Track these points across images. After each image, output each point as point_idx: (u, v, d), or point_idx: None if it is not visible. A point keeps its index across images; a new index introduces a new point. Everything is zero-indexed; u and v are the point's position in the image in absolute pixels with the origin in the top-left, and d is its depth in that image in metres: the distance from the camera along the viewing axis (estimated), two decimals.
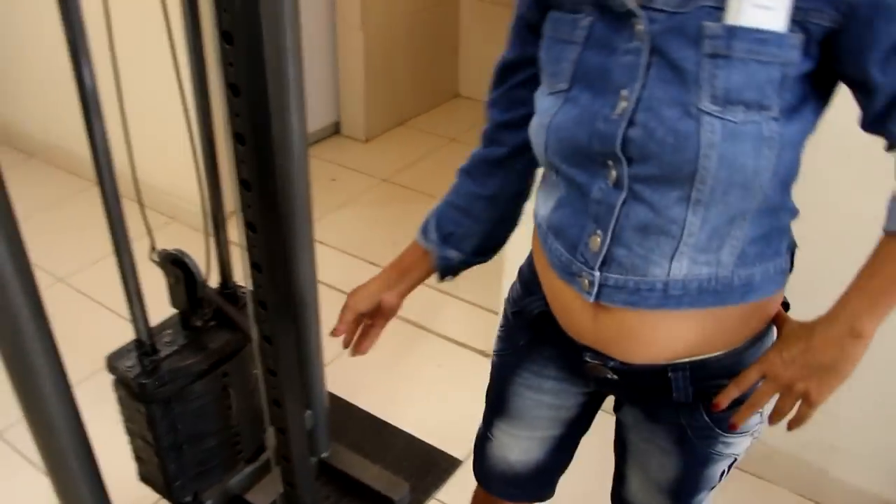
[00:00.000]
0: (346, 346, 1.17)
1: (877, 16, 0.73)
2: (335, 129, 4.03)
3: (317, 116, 3.90)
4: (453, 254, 1.12)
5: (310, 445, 1.82)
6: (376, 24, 3.71)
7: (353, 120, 3.96)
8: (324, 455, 1.92)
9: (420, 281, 1.16)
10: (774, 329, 0.96)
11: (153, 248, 1.41)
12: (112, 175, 1.22)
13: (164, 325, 1.50)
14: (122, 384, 1.45)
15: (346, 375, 2.29)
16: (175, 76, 1.27)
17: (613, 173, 0.84)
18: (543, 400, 1.15)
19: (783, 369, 0.87)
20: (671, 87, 0.78)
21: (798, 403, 0.89)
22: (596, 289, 0.90)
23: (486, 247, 1.15)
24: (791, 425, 0.90)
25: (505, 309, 1.17)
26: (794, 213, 0.91)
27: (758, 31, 0.75)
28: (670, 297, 0.87)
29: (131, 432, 1.54)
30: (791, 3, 0.74)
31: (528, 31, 0.97)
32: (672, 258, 0.85)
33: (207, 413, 1.53)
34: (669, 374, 0.96)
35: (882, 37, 0.74)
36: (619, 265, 0.88)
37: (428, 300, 2.66)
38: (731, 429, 0.94)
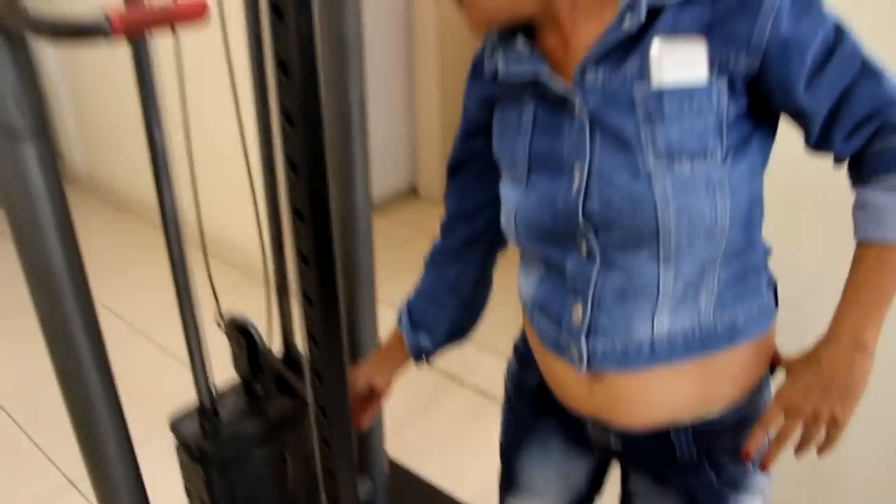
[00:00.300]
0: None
1: (788, 52, 0.77)
2: (412, 191, 4.09)
3: (393, 178, 3.96)
4: (425, 339, 1.18)
5: None
6: (454, 85, 3.78)
7: (430, 181, 4.01)
8: None
9: (402, 363, 1.22)
10: (771, 381, 0.98)
11: (220, 314, 1.44)
12: (180, 242, 1.25)
13: (226, 391, 1.52)
14: (183, 447, 1.47)
15: (408, 443, 2.27)
16: (241, 147, 1.30)
17: (584, 246, 0.88)
18: (552, 473, 1.16)
19: (803, 400, 0.88)
20: (618, 155, 0.82)
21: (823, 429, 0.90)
22: (585, 358, 0.92)
23: (456, 331, 1.19)
24: (821, 451, 0.90)
25: (506, 385, 1.20)
26: (766, 251, 0.93)
27: (683, 87, 0.78)
28: (658, 354, 0.89)
29: (190, 494, 1.55)
30: (707, 54, 0.78)
31: (472, 133, 1.03)
32: (653, 316, 0.87)
33: (265, 479, 1.54)
34: (672, 436, 0.96)
35: (799, 69, 0.78)
36: (603, 332, 0.90)
37: (496, 369, 2.62)
38: (762, 468, 0.94)
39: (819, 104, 0.80)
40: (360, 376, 1.21)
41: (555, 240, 0.90)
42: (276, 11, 0.85)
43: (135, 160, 3.63)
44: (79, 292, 1.04)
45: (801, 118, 0.83)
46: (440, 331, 1.18)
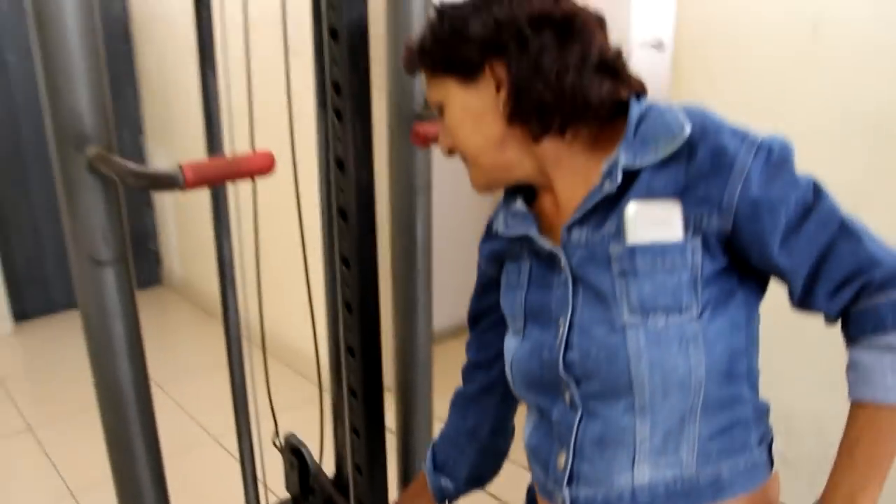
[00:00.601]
0: None
1: (758, 213, 0.79)
2: None
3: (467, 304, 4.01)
4: (447, 482, 1.19)
5: None
6: None
7: None
8: None
9: None
10: None
11: (276, 433, 1.48)
12: (242, 369, 1.31)
13: None
14: None
15: None
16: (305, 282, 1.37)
17: (567, 395, 0.90)
18: None
19: None
20: (596, 309, 0.86)
21: None
22: None
23: (476, 477, 1.21)
24: None
25: None
26: (759, 406, 0.92)
27: (655, 245, 0.82)
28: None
29: None
30: (681, 214, 0.81)
31: (487, 285, 1.08)
32: (633, 465, 0.88)
33: None
34: None
35: (772, 229, 0.80)
36: (585, 480, 0.91)
37: None
38: None
39: (797, 263, 0.81)
40: None
41: (544, 389, 0.93)
42: (339, 164, 0.92)
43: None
44: (142, 408, 1.10)
45: (781, 276, 0.84)
46: (461, 475, 1.19)
